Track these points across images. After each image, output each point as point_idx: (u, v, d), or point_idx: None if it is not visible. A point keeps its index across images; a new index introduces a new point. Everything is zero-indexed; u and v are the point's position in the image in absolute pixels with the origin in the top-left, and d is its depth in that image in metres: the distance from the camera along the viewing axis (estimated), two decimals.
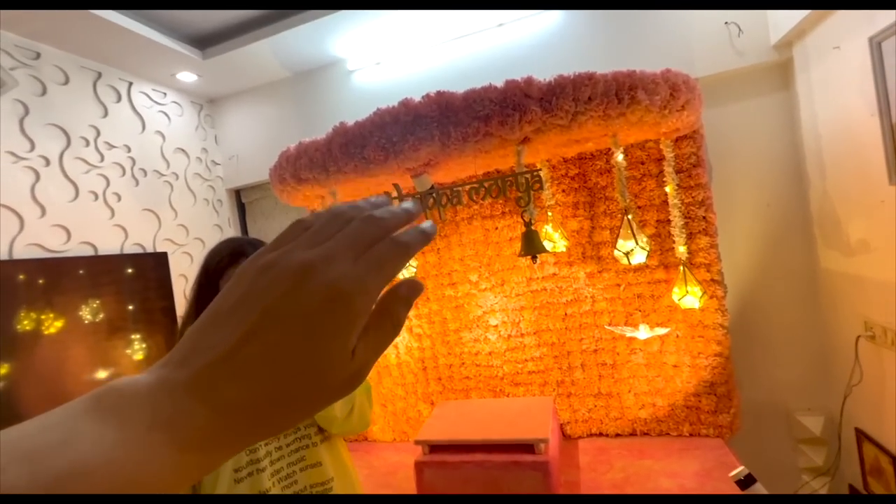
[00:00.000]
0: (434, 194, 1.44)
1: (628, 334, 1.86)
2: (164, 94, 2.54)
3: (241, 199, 2.98)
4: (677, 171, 1.87)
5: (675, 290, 1.82)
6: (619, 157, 1.54)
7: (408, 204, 0.27)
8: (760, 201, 2.06)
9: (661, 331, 1.78)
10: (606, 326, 2.01)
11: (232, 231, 2.85)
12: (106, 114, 2.20)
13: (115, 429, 0.19)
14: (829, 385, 1.98)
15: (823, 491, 2.00)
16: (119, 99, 2.28)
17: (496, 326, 2.22)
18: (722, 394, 1.93)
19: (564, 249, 2.01)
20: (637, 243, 1.52)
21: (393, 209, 0.26)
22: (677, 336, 1.97)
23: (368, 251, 0.23)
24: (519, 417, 1.87)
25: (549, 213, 2.00)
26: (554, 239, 1.96)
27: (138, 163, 2.32)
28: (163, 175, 2.46)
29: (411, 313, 2.30)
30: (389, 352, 2.38)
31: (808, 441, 2.03)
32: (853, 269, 1.73)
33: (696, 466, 1.75)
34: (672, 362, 1.99)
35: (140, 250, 2.27)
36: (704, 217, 1.88)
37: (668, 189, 1.85)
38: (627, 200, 1.57)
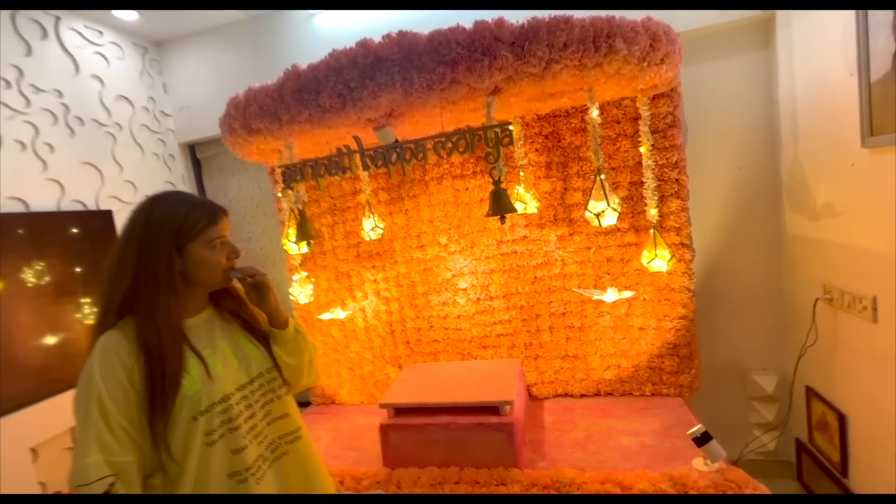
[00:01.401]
0: (398, 149, 1.34)
1: (595, 297, 1.84)
2: (100, 32, 2.27)
3: (195, 155, 2.77)
4: (653, 132, 1.81)
5: (644, 253, 1.80)
6: (594, 112, 1.46)
7: None
8: (733, 164, 2.04)
9: (627, 294, 1.77)
10: (575, 289, 2.00)
11: (185, 187, 2.66)
12: (29, 52, 1.94)
13: None
14: (785, 346, 2.05)
15: (772, 445, 2.11)
16: (45, 35, 2.02)
17: (465, 290, 2.18)
18: (684, 355, 1.97)
19: (536, 211, 1.95)
20: (609, 204, 1.47)
21: None
22: (644, 299, 1.98)
23: None
24: (485, 380, 1.86)
25: (521, 174, 1.92)
26: (525, 200, 1.89)
27: (73, 110, 2.09)
28: (103, 125, 2.24)
29: (379, 276, 2.23)
30: (356, 315, 2.32)
31: (761, 399, 2.11)
32: (817, 233, 1.74)
33: (657, 424, 1.80)
34: (638, 325, 2.00)
35: (81, 208, 2.09)
36: (677, 179, 1.85)
37: (642, 150, 1.80)
38: (601, 160, 1.50)
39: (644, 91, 1.71)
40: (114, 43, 2.34)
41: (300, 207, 1.62)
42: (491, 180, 1.34)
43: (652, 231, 1.77)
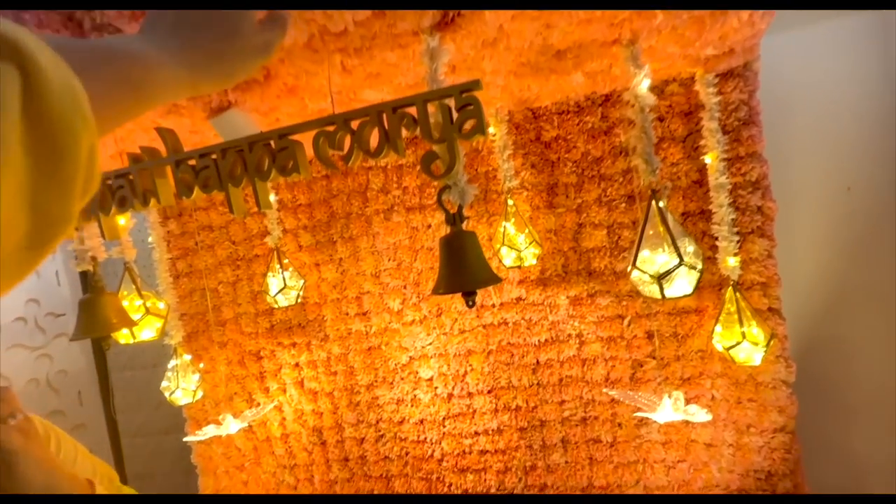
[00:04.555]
0: (241, 150, 0.63)
1: (642, 413, 1.09)
2: None
3: None
4: (722, 131, 1.11)
5: (718, 329, 1.07)
6: (644, 84, 0.76)
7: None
8: (836, 184, 1.34)
9: (700, 415, 1.01)
10: (605, 391, 1.25)
11: None
12: None
13: (140, 41, 0.35)
14: None
15: None
16: None
17: (430, 381, 1.42)
18: (785, 489, 1.21)
19: (535, 261, 1.22)
20: (681, 258, 0.75)
21: None
22: (713, 398, 1.23)
23: None
24: None
25: (510, 202, 1.21)
26: (517, 245, 1.17)
27: None
28: None
29: (302, 358, 1.47)
30: (272, 419, 1.54)
31: None
32: None
33: None
34: (705, 439, 1.24)
35: None
36: (760, 208, 1.14)
37: (707, 159, 1.10)
38: (657, 173, 0.79)
39: (710, 62, 1.02)
40: None
41: (90, 272, 0.86)
42: (445, 215, 0.63)
43: (732, 292, 1.05)
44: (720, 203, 1.08)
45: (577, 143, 1.25)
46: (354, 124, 0.60)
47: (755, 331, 1.03)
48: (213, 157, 0.65)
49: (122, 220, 0.98)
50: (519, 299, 1.33)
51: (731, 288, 1.06)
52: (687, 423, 1.24)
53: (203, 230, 1.53)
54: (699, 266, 0.78)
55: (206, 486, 1.65)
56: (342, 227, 1.44)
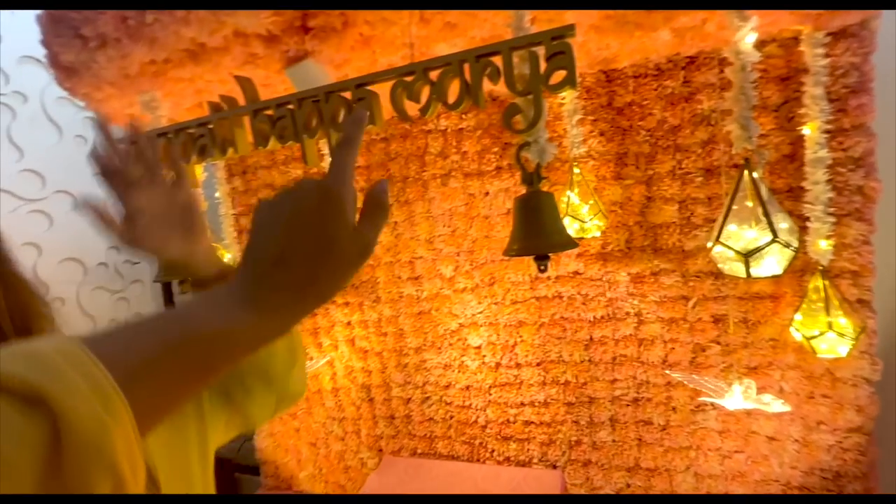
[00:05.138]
0: (320, 100, 0.62)
1: (707, 398, 1.03)
2: None
3: None
4: (827, 100, 0.99)
5: (797, 318, 0.99)
6: (749, 38, 0.68)
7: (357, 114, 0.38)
8: None
9: (776, 405, 0.94)
10: (667, 372, 1.20)
11: None
12: None
13: (211, 306, 0.32)
14: None
15: None
16: None
17: (479, 348, 1.42)
18: (854, 492, 1.13)
19: (599, 234, 1.17)
20: (775, 234, 0.68)
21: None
22: (781, 389, 1.15)
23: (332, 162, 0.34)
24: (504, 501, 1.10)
25: (575, 170, 1.15)
26: (581, 216, 1.12)
27: None
28: None
29: (354, 317, 1.52)
30: (323, 373, 1.61)
31: None
32: None
33: None
34: (768, 432, 1.18)
35: None
36: (861, 188, 1.02)
37: (806, 130, 0.99)
38: (754, 140, 0.71)
39: (822, 17, 0.90)
40: None
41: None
42: (521, 173, 0.60)
43: (819, 281, 0.96)
44: (816, 180, 0.98)
45: (652, 109, 1.16)
46: (434, 75, 0.57)
47: (843, 321, 0.95)
48: (290, 106, 0.65)
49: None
50: (576, 273, 1.28)
51: (818, 274, 0.97)
52: (749, 413, 1.18)
53: (265, 188, 1.58)
54: (794, 244, 0.71)
55: (261, 429, 1.76)
56: (398, 191, 1.43)
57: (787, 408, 0.92)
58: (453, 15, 0.64)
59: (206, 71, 0.71)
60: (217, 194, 1.48)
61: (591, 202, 1.13)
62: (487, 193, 1.34)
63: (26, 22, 1.71)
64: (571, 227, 1.12)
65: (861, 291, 1.05)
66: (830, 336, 0.94)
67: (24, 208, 1.71)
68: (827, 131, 0.99)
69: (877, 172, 1.02)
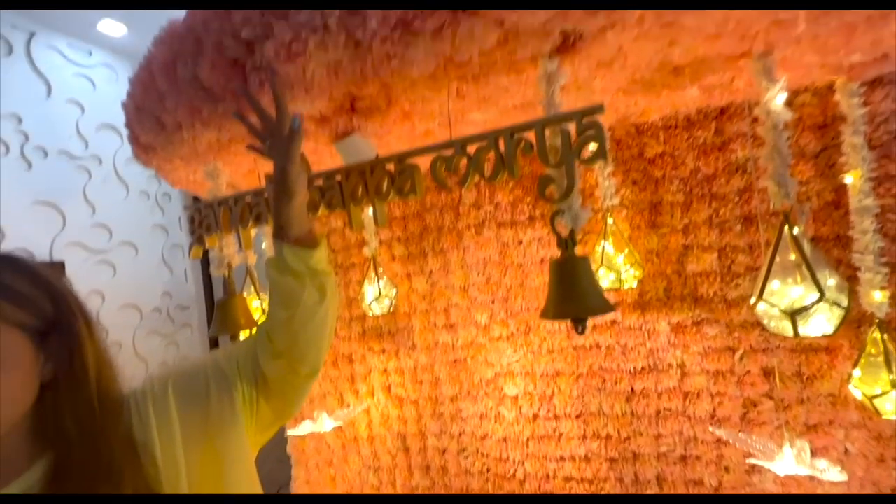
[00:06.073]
0: (366, 173, 0.67)
1: (755, 460, 0.97)
2: (90, 52, 1.94)
3: None
4: (868, 146, 0.97)
5: (857, 375, 0.93)
6: (780, 98, 0.69)
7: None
8: None
9: (832, 473, 0.88)
10: (711, 429, 1.14)
11: (182, 234, 2.21)
12: None
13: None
14: None
15: None
16: (10, 52, 1.69)
17: (515, 399, 1.40)
18: None
19: (636, 284, 1.16)
20: (822, 292, 0.66)
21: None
22: (846, 451, 1.07)
23: None
24: None
25: (609, 220, 1.16)
26: (616, 265, 1.12)
27: (34, 139, 1.71)
28: (76, 158, 1.85)
29: (390, 364, 1.54)
30: (360, 420, 1.62)
31: None
32: None
33: None
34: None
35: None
36: None
37: (849, 178, 0.97)
38: (792, 194, 0.71)
39: (855, 69, 0.91)
40: (106, 64, 2.00)
41: (225, 276, 0.97)
42: (552, 233, 0.62)
43: (878, 332, 0.91)
44: (864, 229, 0.95)
45: (685, 159, 1.17)
46: (471, 149, 0.61)
47: None
48: (338, 178, 0.70)
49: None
50: (614, 322, 1.26)
51: (875, 327, 0.92)
52: (812, 477, 1.09)
53: None
54: (844, 303, 0.68)
55: (297, 476, 1.77)
56: (434, 240, 1.48)
57: (843, 477, 0.85)
58: (487, 90, 0.70)
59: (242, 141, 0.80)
60: (264, 246, 1.57)
61: (626, 251, 1.13)
62: (521, 242, 1.36)
63: (106, 93, 1.94)
64: (607, 278, 1.12)
65: None
66: (892, 398, 0.87)
67: (92, 259, 1.87)
68: (872, 178, 0.96)
69: None
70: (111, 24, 1.83)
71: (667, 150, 1.18)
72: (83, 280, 1.77)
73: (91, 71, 1.94)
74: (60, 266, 1.71)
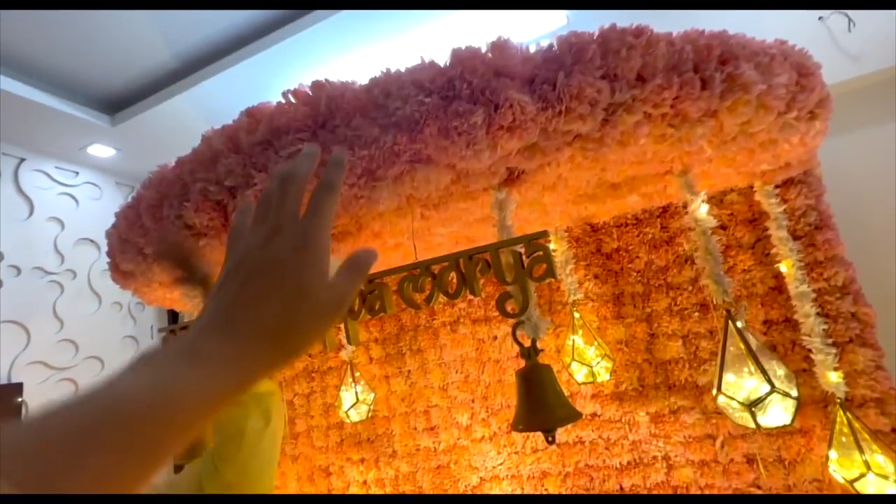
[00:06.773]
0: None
1: None
2: (76, 173, 2.04)
3: None
4: (793, 238, 1.09)
5: (833, 457, 0.94)
6: (702, 209, 0.80)
7: (307, 148, 0.34)
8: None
9: None
10: None
11: (149, 340, 2.15)
12: None
13: (155, 372, 0.26)
14: None
15: None
16: None
17: None
18: None
19: (608, 376, 1.18)
20: (772, 384, 0.71)
21: (298, 162, 0.33)
22: None
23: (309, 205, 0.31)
24: None
25: (576, 315, 1.21)
26: (588, 359, 1.15)
27: (10, 258, 1.72)
28: (49, 273, 1.85)
29: (370, 475, 1.45)
30: None
31: None
32: None
33: None
34: None
35: None
36: (854, 314, 1.06)
37: (783, 268, 1.06)
38: (729, 293, 0.78)
39: (766, 175, 1.05)
40: (91, 183, 2.09)
41: None
42: (519, 348, 0.65)
43: (840, 414, 0.94)
44: (806, 313, 1.02)
45: (638, 253, 1.26)
46: (435, 269, 0.67)
47: (880, 459, 0.90)
48: None
49: None
50: (594, 415, 1.26)
51: (838, 407, 0.96)
52: None
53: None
54: (793, 393, 0.72)
55: None
56: (411, 339, 1.49)
57: None
58: (448, 212, 0.78)
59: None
60: None
61: (596, 344, 1.17)
62: (496, 338, 1.39)
63: (89, 209, 2.00)
64: (580, 372, 1.14)
65: (892, 420, 1.02)
66: (872, 478, 0.88)
67: (54, 377, 1.78)
68: (803, 266, 1.06)
69: (865, 298, 1.07)
70: (101, 149, 1.96)
71: (621, 246, 1.28)
72: (40, 400, 1.67)
73: (76, 189, 2.02)
74: (18, 387, 1.62)
